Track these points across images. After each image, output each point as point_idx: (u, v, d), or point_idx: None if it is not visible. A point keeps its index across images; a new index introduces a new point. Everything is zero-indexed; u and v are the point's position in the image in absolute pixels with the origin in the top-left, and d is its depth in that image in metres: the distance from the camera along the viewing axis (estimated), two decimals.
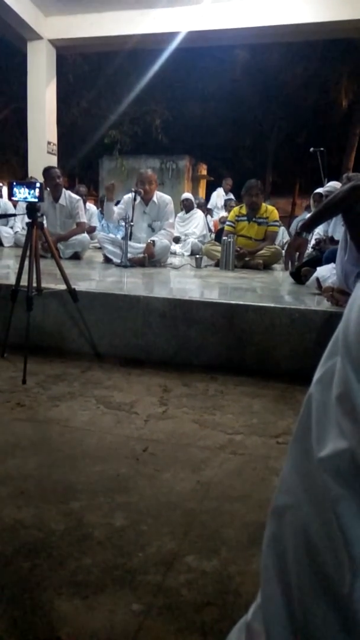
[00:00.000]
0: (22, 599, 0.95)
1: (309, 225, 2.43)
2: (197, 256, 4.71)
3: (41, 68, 7.07)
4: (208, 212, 8.86)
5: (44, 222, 2.49)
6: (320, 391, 0.42)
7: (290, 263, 2.68)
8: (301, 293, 3.01)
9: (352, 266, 2.43)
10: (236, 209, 4.96)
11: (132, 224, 4.20)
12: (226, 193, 9.15)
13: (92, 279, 3.55)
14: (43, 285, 2.53)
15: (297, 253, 2.48)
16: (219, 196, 9.30)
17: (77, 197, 5.00)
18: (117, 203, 4.62)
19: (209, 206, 9.30)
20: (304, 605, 0.38)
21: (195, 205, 7.18)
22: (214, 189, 10.05)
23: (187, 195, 7.40)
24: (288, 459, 0.46)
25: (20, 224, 6.32)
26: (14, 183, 2.37)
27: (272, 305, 2.44)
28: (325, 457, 0.37)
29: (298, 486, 0.42)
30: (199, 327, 2.47)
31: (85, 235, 5.03)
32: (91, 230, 6.63)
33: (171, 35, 6.48)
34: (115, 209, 4.38)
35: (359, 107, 15.51)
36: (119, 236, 4.37)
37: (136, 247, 4.34)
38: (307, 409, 0.43)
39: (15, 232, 6.14)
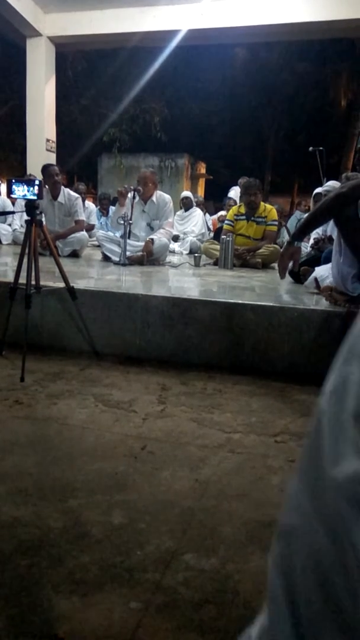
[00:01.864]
0: (20, 596, 0.95)
1: (300, 234, 2.43)
2: (196, 255, 4.71)
3: (40, 65, 7.05)
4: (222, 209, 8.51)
5: (43, 219, 2.48)
6: (332, 404, 0.39)
7: (284, 271, 2.65)
8: (300, 292, 3.01)
9: (349, 268, 2.43)
10: (235, 207, 4.97)
11: (130, 222, 4.19)
12: None
13: (91, 277, 3.54)
14: (42, 283, 2.52)
15: (291, 261, 2.48)
16: (237, 195, 9.03)
17: (76, 194, 4.99)
18: (115, 201, 4.62)
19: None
20: (314, 633, 0.36)
21: (194, 204, 7.18)
22: (213, 188, 9.90)
23: (186, 193, 7.40)
24: (296, 475, 0.43)
25: (18, 221, 6.31)
26: (13, 180, 2.37)
27: (271, 304, 2.44)
28: (340, 480, 0.35)
29: (307, 506, 0.40)
30: (198, 325, 2.47)
31: (84, 233, 5.02)
32: (90, 228, 6.62)
33: (171, 33, 6.47)
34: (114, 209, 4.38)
35: (358, 107, 15.51)
36: (118, 234, 4.36)
37: (135, 245, 4.34)
38: (317, 423, 0.40)
39: (14, 230, 6.13)
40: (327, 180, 5.85)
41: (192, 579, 1.02)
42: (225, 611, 0.93)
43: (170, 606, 0.94)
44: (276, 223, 4.86)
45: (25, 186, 2.34)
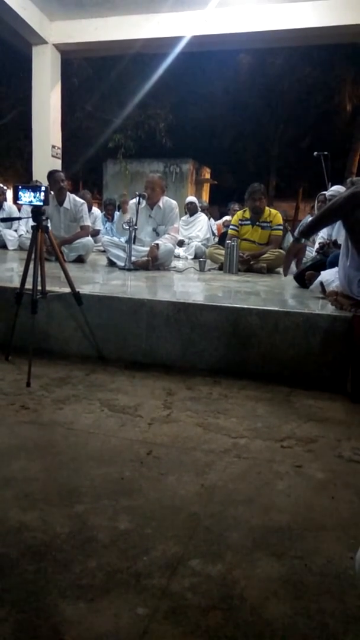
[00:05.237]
0: (27, 601, 0.95)
1: (307, 232, 2.42)
2: (201, 260, 4.71)
3: (46, 72, 7.12)
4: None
5: (49, 225, 2.50)
6: None
7: (288, 268, 2.66)
8: (305, 297, 3.00)
9: (356, 271, 2.42)
10: (239, 212, 4.97)
11: (136, 227, 4.20)
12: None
13: (96, 282, 3.55)
14: (47, 288, 2.53)
15: (296, 259, 2.47)
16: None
17: (81, 200, 5.01)
18: (119, 207, 4.63)
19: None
20: None
21: (199, 209, 7.20)
22: (217, 193, 9.88)
23: (191, 198, 7.42)
24: None
25: (24, 227, 6.34)
26: (20, 187, 2.38)
27: (276, 309, 2.43)
28: None
29: None
30: (203, 330, 2.47)
31: (89, 238, 5.04)
32: (95, 233, 6.65)
33: (175, 40, 6.52)
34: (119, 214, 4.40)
35: None
36: (123, 240, 4.37)
37: (140, 250, 4.35)
38: None
39: (20, 235, 6.17)
40: (332, 185, 5.85)
41: (199, 584, 1.01)
42: (232, 617, 0.93)
43: (177, 612, 0.94)
44: (281, 228, 4.86)
45: (31, 192, 2.36)
